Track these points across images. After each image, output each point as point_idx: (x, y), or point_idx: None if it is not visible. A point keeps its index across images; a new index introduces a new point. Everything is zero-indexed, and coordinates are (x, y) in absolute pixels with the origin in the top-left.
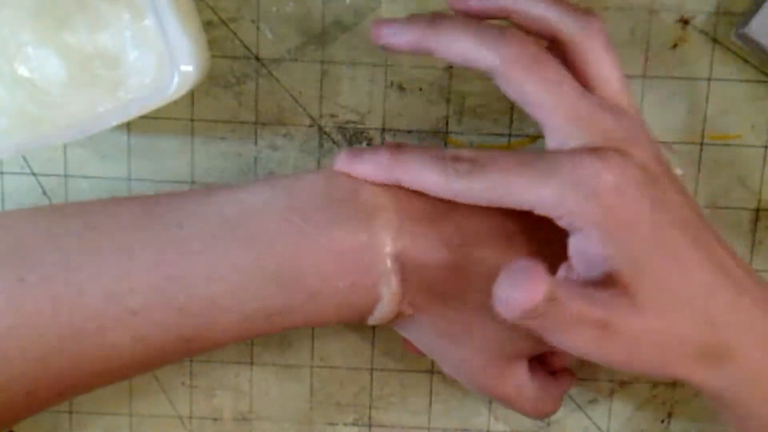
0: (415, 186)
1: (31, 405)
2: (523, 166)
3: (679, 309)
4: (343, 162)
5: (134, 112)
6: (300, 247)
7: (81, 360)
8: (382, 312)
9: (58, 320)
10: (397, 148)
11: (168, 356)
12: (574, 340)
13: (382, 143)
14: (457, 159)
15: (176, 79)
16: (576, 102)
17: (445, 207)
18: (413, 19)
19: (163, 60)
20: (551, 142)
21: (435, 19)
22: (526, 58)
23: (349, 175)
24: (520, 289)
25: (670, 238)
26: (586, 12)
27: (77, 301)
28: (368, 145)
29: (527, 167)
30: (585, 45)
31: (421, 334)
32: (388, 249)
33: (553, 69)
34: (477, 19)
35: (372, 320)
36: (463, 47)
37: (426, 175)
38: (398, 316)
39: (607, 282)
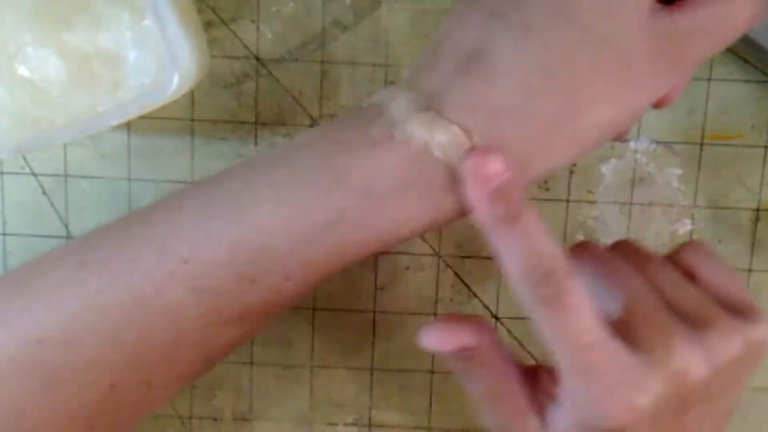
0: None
1: (120, 403)
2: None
3: None
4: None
5: (134, 112)
6: (343, 155)
7: (149, 332)
8: None
9: (118, 295)
10: None
11: (237, 307)
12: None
13: None
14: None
15: (176, 79)
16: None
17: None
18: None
19: (163, 60)
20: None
21: None
22: None
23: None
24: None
25: None
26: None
27: (133, 269)
28: None
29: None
30: None
31: None
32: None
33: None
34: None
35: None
36: None
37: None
38: None
39: None
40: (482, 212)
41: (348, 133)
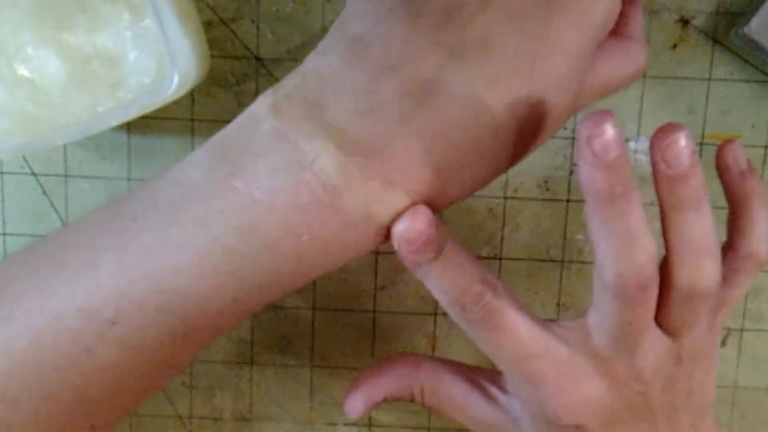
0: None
1: None
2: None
3: None
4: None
5: (134, 112)
6: (255, 213)
7: (85, 387)
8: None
9: (47, 353)
10: None
11: (170, 358)
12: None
13: None
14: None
15: (176, 79)
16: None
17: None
18: None
19: (163, 60)
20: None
21: None
22: None
23: (278, 117)
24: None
25: None
26: None
27: (58, 328)
28: None
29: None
30: None
31: None
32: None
33: None
34: None
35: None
36: None
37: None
38: None
39: None
40: (407, 260)
41: (269, 188)
